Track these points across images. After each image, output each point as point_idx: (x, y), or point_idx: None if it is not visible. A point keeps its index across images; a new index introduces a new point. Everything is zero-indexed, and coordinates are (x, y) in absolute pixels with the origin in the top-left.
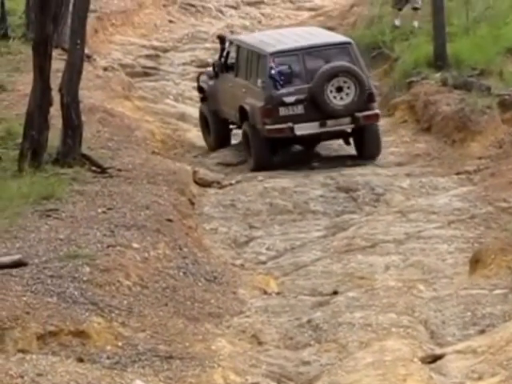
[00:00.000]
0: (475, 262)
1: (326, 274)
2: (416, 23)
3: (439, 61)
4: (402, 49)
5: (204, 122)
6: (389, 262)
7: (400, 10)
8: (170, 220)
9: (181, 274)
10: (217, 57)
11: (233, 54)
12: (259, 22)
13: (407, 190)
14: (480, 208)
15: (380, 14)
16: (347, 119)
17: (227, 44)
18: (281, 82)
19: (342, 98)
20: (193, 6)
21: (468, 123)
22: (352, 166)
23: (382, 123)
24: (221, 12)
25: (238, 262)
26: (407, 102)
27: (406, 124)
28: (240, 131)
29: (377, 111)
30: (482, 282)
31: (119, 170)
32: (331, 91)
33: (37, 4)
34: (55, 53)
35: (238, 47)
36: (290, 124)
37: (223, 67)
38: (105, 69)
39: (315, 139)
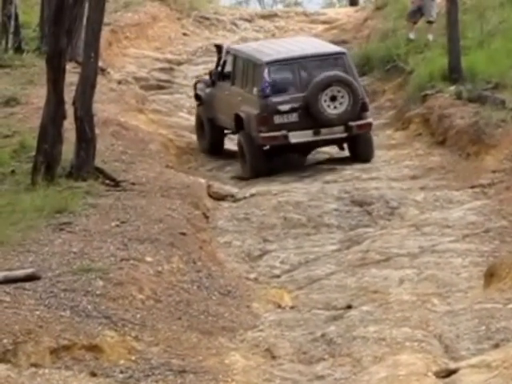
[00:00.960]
0: (490, 276)
1: (340, 287)
2: (431, 36)
3: (454, 74)
4: (416, 62)
5: (200, 126)
6: (403, 275)
7: (415, 23)
8: (183, 233)
9: (194, 287)
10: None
11: (229, 63)
12: (273, 35)
13: (421, 204)
14: (494, 222)
15: (394, 28)
16: (341, 128)
17: (224, 53)
18: (275, 91)
19: (335, 107)
20: (207, 19)
21: (482, 136)
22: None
23: (398, 136)
24: (235, 25)
25: (252, 275)
26: (422, 115)
27: (420, 137)
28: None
29: (370, 120)
30: (497, 296)
31: (133, 184)
32: (325, 100)
33: (51, 17)
34: (69, 66)
35: (235, 56)
36: (285, 132)
37: (220, 75)
38: (119, 82)
39: (309, 147)
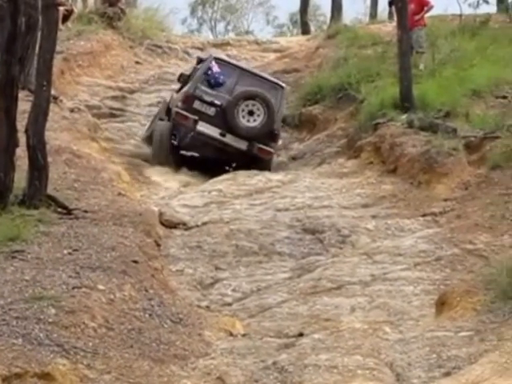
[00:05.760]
0: (441, 304)
1: (292, 315)
2: (422, 66)
3: (405, 102)
4: (367, 91)
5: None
6: (354, 303)
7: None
8: (135, 261)
9: (146, 315)
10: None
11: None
12: None
13: (373, 232)
14: (446, 250)
15: (345, 56)
16: (245, 142)
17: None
18: (210, 82)
19: (248, 121)
20: (159, 47)
21: (434, 165)
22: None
23: (349, 165)
24: (187, 53)
25: (204, 303)
26: (373, 144)
27: (372, 165)
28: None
29: (272, 151)
30: (448, 324)
31: (85, 212)
32: (243, 110)
33: (3, 45)
34: (22, 94)
35: (200, 60)
36: (196, 117)
37: (186, 81)
38: (71, 110)
39: (213, 153)
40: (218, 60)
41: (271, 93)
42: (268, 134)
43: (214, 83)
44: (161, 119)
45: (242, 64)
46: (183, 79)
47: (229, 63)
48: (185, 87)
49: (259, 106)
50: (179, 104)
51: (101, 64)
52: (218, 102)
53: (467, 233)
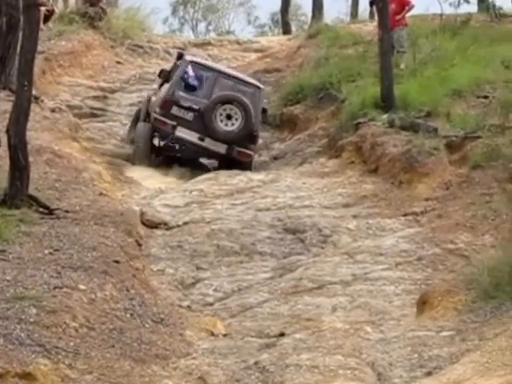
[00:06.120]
0: (422, 304)
1: (273, 315)
2: (403, 65)
3: (386, 102)
4: (349, 90)
5: (136, 120)
6: (336, 303)
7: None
8: (117, 261)
9: (128, 315)
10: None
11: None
12: None
13: (354, 232)
14: (427, 249)
15: (327, 56)
16: (224, 146)
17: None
18: (188, 87)
19: (226, 125)
20: (140, 47)
21: (415, 164)
22: None
23: (331, 164)
24: (168, 53)
25: (185, 303)
26: (354, 144)
27: (353, 165)
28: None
29: (251, 153)
30: (429, 324)
31: (66, 212)
32: (221, 114)
33: None
34: (3, 94)
35: (182, 60)
36: (175, 123)
37: (167, 77)
38: (52, 110)
39: (192, 152)
40: (194, 64)
41: (249, 94)
42: (247, 137)
43: (191, 88)
44: (144, 120)
45: (219, 65)
46: (164, 75)
47: (205, 66)
48: (165, 85)
49: (237, 109)
50: (157, 110)
51: (82, 64)
52: (195, 107)
53: (448, 232)
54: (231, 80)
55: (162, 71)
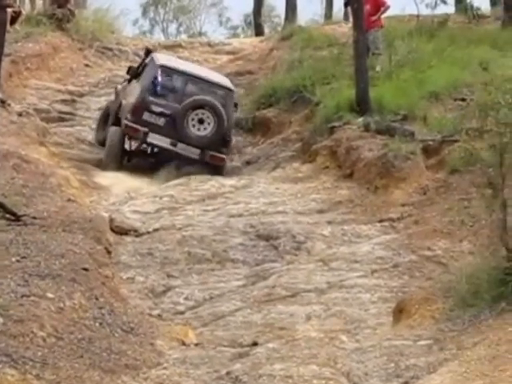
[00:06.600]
0: (399, 312)
1: (246, 324)
2: (379, 67)
3: (361, 105)
4: (323, 93)
5: (104, 118)
6: (310, 311)
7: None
8: (85, 269)
9: (97, 324)
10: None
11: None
12: None
13: (329, 238)
14: (403, 256)
15: (300, 58)
16: (197, 150)
17: (149, 57)
18: (158, 92)
19: (199, 130)
20: (109, 49)
21: (391, 169)
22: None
23: (304, 169)
24: (138, 56)
25: (156, 312)
26: (329, 148)
27: (327, 170)
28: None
29: (224, 157)
30: (406, 333)
31: (34, 218)
32: (193, 119)
33: None
34: None
35: (150, 59)
36: (146, 130)
37: (135, 74)
38: (19, 114)
39: (165, 155)
40: (164, 68)
41: (221, 97)
42: (219, 141)
43: (161, 92)
44: (114, 123)
45: (190, 67)
46: (132, 72)
47: (175, 70)
48: (133, 82)
49: (209, 114)
50: (128, 116)
51: (49, 67)
52: (167, 112)
53: (425, 239)
54: (202, 83)
55: (130, 68)
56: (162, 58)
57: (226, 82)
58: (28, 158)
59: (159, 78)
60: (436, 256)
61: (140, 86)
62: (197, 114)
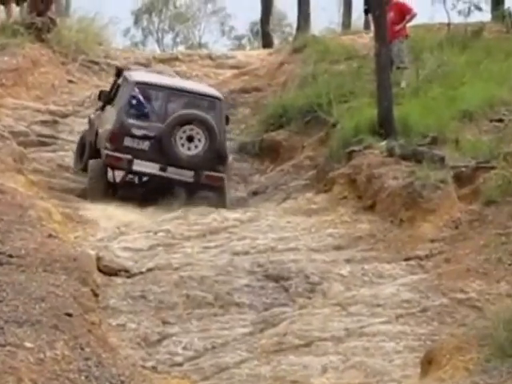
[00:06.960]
0: (427, 363)
1: (253, 377)
2: (404, 83)
3: (384, 127)
4: (340, 113)
5: (81, 148)
6: (326, 363)
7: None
8: (69, 314)
9: (82, 378)
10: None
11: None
12: None
13: (347, 279)
14: (433, 300)
15: (314, 73)
16: (190, 173)
17: (121, 77)
18: (137, 113)
19: (189, 149)
20: (96, 63)
21: (418, 200)
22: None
23: (319, 200)
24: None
25: (150, 363)
26: (347, 176)
27: (345, 201)
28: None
29: (223, 175)
30: None
31: (10, 256)
32: (181, 138)
33: None
34: None
35: (123, 78)
36: (130, 157)
37: (109, 99)
38: None
39: (154, 183)
40: (139, 84)
41: (209, 108)
42: (214, 158)
43: (141, 112)
44: (92, 155)
45: (169, 80)
46: (104, 97)
47: (153, 85)
48: (108, 108)
49: (198, 129)
50: (107, 145)
51: (28, 83)
52: (150, 134)
53: (457, 279)
54: (186, 95)
55: (101, 92)
56: (135, 74)
57: (212, 91)
58: (3, 187)
59: (136, 97)
60: (470, 299)
61: (116, 110)
62: (184, 132)
